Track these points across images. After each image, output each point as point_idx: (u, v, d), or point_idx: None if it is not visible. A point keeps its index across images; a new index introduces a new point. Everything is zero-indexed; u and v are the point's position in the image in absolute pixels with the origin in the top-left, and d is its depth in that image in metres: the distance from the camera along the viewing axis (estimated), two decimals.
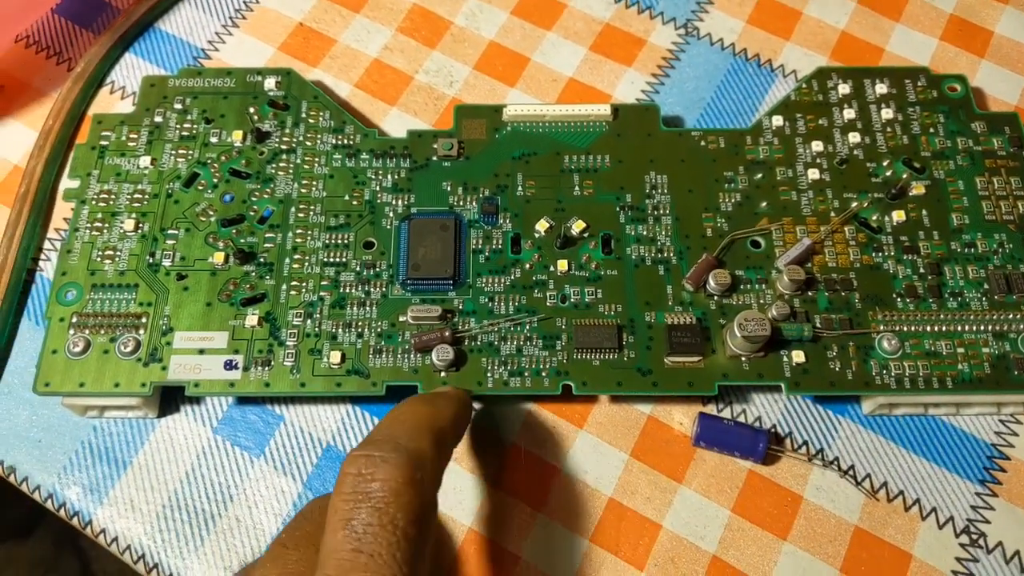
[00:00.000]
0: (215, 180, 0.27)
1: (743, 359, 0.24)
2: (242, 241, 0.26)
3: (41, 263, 0.28)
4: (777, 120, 0.28)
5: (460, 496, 0.25)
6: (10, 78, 0.31)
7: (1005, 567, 0.23)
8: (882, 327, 0.25)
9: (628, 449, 0.25)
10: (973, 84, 0.30)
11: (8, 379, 0.26)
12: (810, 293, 0.25)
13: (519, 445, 0.25)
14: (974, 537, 0.24)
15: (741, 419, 0.25)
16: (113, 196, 0.27)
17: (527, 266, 0.26)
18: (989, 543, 0.24)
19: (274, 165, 0.27)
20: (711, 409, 0.25)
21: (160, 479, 0.25)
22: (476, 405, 0.26)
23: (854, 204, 0.27)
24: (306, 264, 0.26)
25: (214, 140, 0.28)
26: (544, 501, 0.24)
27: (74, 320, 0.25)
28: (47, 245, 0.28)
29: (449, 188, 0.27)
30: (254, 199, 0.27)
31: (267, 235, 0.26)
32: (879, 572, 0.23)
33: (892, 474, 0.25)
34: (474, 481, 0.25)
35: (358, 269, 0.26)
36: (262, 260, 0.26)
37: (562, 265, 0.26)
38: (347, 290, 0.25)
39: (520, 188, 0.27)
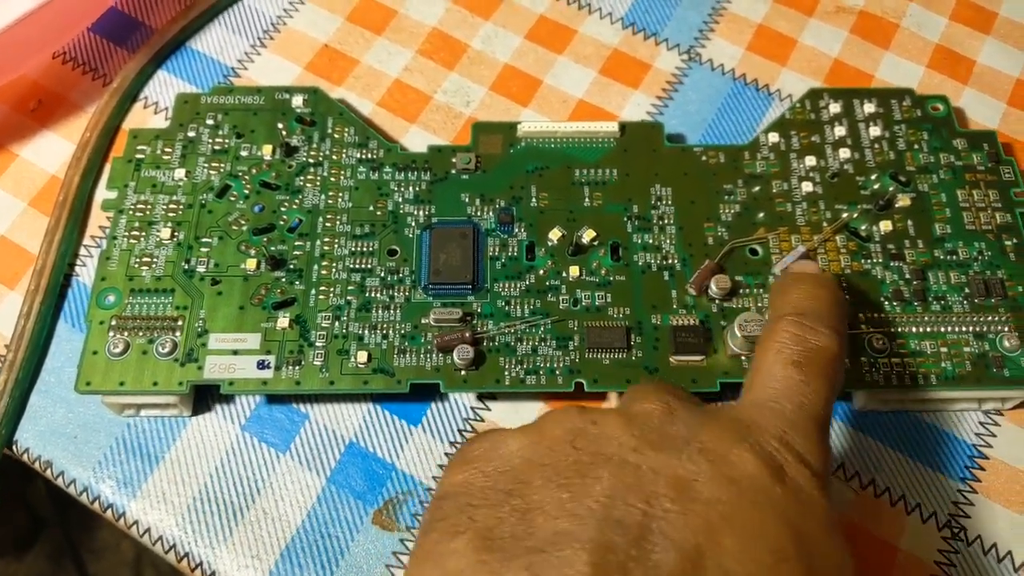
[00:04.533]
0: (246, 191, 0.28)
1: (743, 358, 0.26)
2: (273, 249, 0.27)
3: (77, 268, 0.29)
4: (773, 137, 0.30)
5: None
6: (48, 93, 0.32)
7: (983, 558, 0.25)
8: (871, 328, 0.26)
9: None
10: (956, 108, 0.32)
11: (45, 378, 0.27)
12: None
13: None
14: (955, 531, 0.25)
15: None
16: (149, 206, 0.28)
17: (541, 272, 0.27)
18: (969, 536, 0.25)
19: (302, 178, 0.29)
20: None
21: (191, 473, 0.26)
22: (495, 404, 0.27)
23: (844, 215, 0.28)
24: (333, 270, 0.27)
25: (245, 154, 0.29)
26: None
27: (113, 323, 0.26)
28: (83, 252, 0.29)
29: (467, 199, 0.28)
30: (283, 209, 0.28)
31: (296, 243, 0.28)
32: (867, 563, 0.25)
33: (880, 471, 0.26)
34: None
35: (382, 275, 0.27)
36: (292, 267, 0.27)
37: (574, 271, 0.27)
38: (372, 294, 0.27)
39: (534, 199, 0.29)
